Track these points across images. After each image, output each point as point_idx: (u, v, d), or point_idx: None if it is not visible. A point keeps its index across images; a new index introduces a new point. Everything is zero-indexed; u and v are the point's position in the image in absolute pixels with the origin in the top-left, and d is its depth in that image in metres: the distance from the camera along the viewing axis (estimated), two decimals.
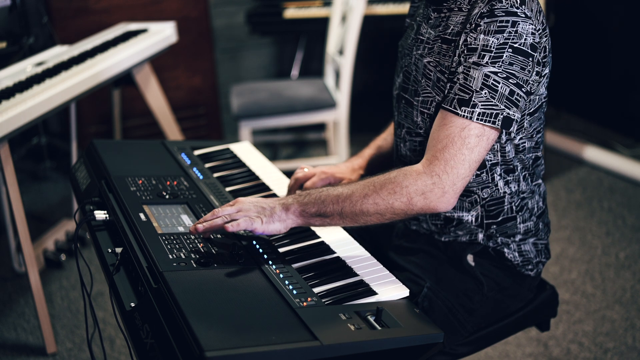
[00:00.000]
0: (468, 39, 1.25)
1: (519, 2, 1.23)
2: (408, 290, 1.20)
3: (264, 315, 1.05)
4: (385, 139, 1.67)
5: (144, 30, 2.90)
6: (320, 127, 3.99)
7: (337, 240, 1.37)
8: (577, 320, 2.37)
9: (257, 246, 1.28)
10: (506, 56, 1.22)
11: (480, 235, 1.42)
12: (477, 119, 1.22)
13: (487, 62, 1.22)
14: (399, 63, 1.50)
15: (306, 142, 4.06)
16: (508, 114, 1.23)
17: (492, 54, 1.22)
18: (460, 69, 1.25)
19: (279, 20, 3.74)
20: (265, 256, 1.25)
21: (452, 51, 1.30)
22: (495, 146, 1.34)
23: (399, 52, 1.53)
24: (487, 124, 1.22)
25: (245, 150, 1.82)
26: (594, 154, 3.53)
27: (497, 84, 1.22)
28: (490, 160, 1.36)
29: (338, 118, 3.19)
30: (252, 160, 1.75)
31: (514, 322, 1.50)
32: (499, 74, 1.22)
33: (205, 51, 3.77)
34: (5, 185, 2.13)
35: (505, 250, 1.43)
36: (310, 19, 3.70)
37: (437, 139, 1.25)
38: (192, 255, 1.20)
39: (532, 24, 1.23)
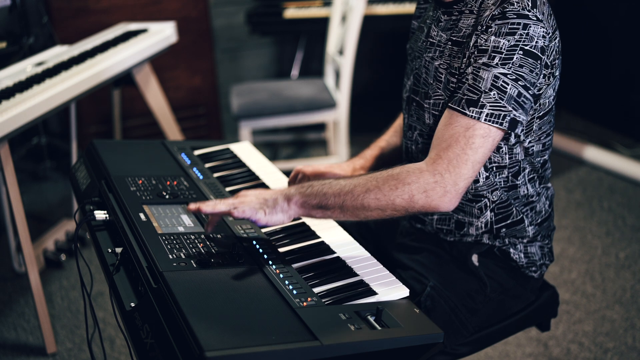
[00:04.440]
0: (479, 40, 1.25)
1: (530, 4, 1.23)
2: (408, 290, 1.20)
3: (264, 315, 1.05)
4: (387, 140, 1.66)
5: (144, 30, 2.90)
6: (320, 127, 3.99)
7: (337, 240, 1.37)
8: (577, 320, 2.37)
9: (257, 246, 1.28)
10: (517, 58, 1.22)
11: (487, 235, 1.42)
12: (485, 120, 1.22)
13: (497, 64, 1.22)
14: (409, 66, 1.50)
15: (306, 142, 4.06)
16: (515, 115, 1.23)
17: (503, 56, 1.22)
18: (470, 69, 1.25)
19: (279, 20, 3.74)
20: (265, 256, 1.25)
21: (462, 53, 1.30)
22: (504, 148, 1.34)
23: (408, 55, 1.53)
24: (493, 125, 1.22)
25: (245, 150, 1.82)
26: (594, 154, 3.53)
27: (507, 86, 1.22)
28: (499, 163, 1.36)
29: (338, 118, 3.19)
30: (252, 160, 1.75)
31: (514, 322, 1.50)
32: (508, 76, 1.22)
33: (205, 51, 3.77)
34: (5, 185, 2.12)
35: (512, 250, 1.43)
36: (310, 19, 3.70)
37: (442, 138, 1.24)
38: (192, 255, 1.20)
39: (543, 27, 1.23)
